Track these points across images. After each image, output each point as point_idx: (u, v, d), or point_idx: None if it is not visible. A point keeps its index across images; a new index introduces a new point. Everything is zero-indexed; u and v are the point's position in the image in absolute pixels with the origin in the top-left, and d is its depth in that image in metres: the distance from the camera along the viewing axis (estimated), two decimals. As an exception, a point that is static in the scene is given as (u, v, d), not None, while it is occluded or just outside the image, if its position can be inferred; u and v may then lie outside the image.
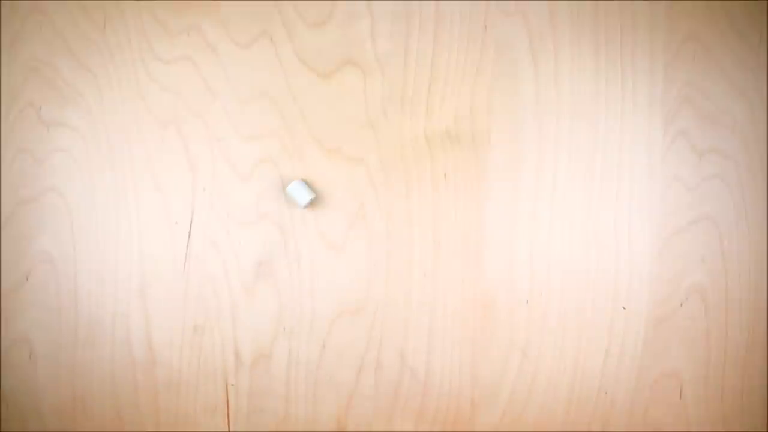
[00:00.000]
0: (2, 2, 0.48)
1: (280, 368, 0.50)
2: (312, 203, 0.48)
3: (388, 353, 0.49)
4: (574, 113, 0.48)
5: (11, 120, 0.49)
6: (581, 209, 0.48)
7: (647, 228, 0.48)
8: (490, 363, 0.49)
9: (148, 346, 0.50)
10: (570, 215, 0.48)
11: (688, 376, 0.49)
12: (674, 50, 0.47)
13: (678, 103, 0.48)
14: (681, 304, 0.49)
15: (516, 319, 0.49)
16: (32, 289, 0.49)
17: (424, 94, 0.48)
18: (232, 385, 0.50)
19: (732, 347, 0.49)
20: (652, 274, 0.48)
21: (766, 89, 0.48)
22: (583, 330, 0.48)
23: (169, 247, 0.49)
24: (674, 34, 0.47)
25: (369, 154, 0.48)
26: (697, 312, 0.49)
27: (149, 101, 0.49)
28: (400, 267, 0.49)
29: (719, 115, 0.48)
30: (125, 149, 0.49)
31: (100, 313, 0.50)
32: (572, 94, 0.48)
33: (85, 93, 0.49)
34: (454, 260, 0.48)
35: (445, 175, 0.48)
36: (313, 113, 0.48)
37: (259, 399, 0.50)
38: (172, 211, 0.49)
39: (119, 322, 0.50)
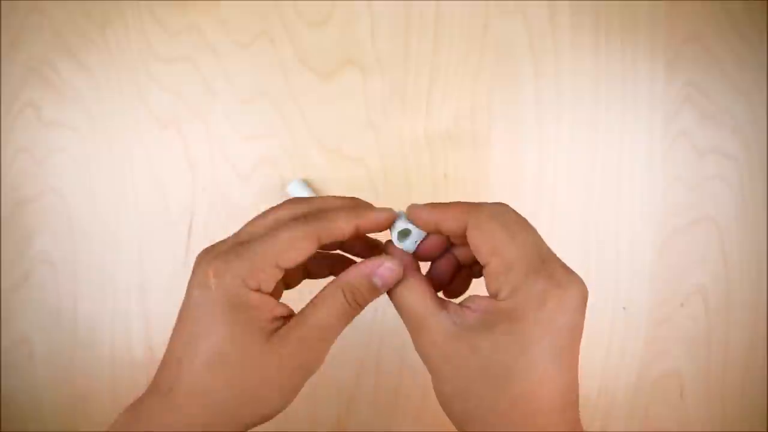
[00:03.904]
0: (2, 2, 0.48)
1: (280, 368, 0.49)
2: (312, 203, 0.48)
3: (388, 353, 0.49)
4: (575, 113, 0.48)
5: (11, 120, 0.49)
6: (581, 209, 0.48)
7: (647, 228, 0.48)
8: (490, 363, 0.49)
9: (148, 346, 0.49)
10: (570, 215, 0.48)
11: (689, 376, 0.49)
12: (675, 50, 0.47)
13: (678, 102, 0.48)
14: (681, 305, 0.48)
15: (516, 320, 0.48)
16: (32, 289, 0.49)
17: (424, 94, 0.48)
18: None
19: (733, 347, 0.49)
20: (652, 274, 0.48)
21: (767, 89, 0.48)
22: (583, 330, 0.48)
23: (169, 247, 0.49)
24: (675, 34, 0.47)
25: (369, 154, 0.48)
26: (697, 312, 0.48)
27: (149, 101, 0.49)
28: (400, 267, 0.49)
29: (720, 115, 0.48)
30: (125, 149, 0.49)
31: (100, 313, 0.50)
32: (572, 93, 0.48)
33: (85, 93, 0.49)
34: (454, 260, 0.48)
35: (445, 175, 0.48)
36: (313, 113, 0.48)
37: (259, 399, 0.50)
38: (172, 211, 0.49)
39: (119, 322, 0.50)
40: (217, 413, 0.26)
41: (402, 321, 0.30)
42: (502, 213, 0.27)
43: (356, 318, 0.49)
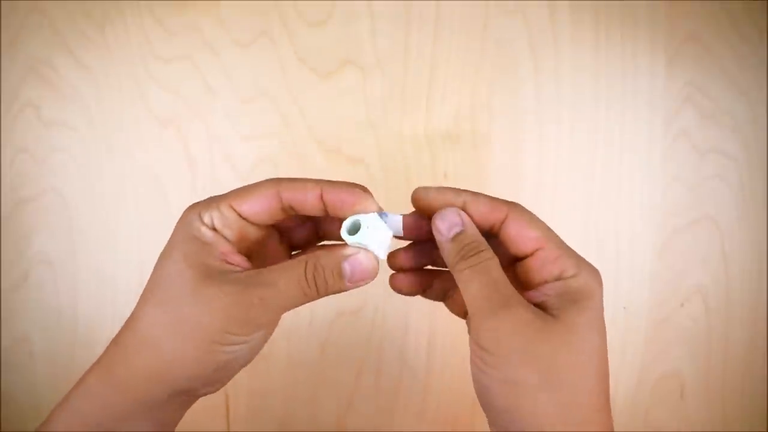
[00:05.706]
0: (2, 2, 0.48)
1: (280, 369, 0.49)
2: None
3: (388, 353, 0.49)
4: (575, 113, 0.48)
5: (11, 120, 0.49)
6: (581, 209, 0.48)
7: (647, 228, 0.48)
8: (490, 363, 0.49)
9: (147, 346, 0.49)
10: (570, 215, 0.48)
11: (689, 376, 0.49)
12: (675, 50, 0.47)
13: (679, 102, 0.48)
14: (681, 305, 0.48)
15: (516, 319, 0.48)
16: (32, 288, 0.49)
17: (424, 93, 0.48)
18: (232, 385, 0.50)
19: (733, 347, 0.49)
20: (652, 274, 0.48)
21: (767, 88, 0.48)
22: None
23: (169, 247, 0.49)
24: (675, 33, 0.47)
25: (369, 154, 0.48)
26: (697, 312, 0.48)
27: (149, 101, 0.49)
28: (400, 267, 0.49)
29: (720, 114, 0.48)
30: (125, 149, 0.49)
31: (100, 312, 0.50)
32: (572, 93, 0.48)
33: (85, 93, 0.49)
34: (454, 260, 0.48)
35: (445, 174, 0.48)
36: (313, 113, 0.48)
37: (259, 399, 0.50)
38: (172, 211, 0.49)
39: (119, 321, 0.49)
40: (144, 342, 0.26)
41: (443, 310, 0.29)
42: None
43: (356, 318, 0.49)
